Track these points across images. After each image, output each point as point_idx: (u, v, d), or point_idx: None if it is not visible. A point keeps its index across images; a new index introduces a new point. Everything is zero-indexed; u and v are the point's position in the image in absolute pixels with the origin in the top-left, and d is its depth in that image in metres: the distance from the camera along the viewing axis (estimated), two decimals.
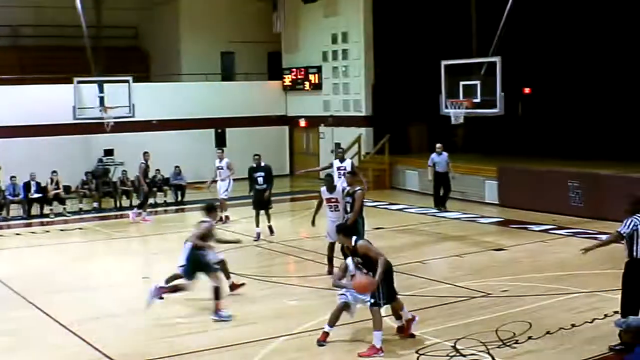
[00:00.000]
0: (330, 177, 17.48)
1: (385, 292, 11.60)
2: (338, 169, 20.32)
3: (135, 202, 26.68)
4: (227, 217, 24.01)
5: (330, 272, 15.99)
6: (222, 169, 24.22)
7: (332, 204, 16.60)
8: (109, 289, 16.33)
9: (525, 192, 25.03)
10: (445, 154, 24.98)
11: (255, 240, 20.65)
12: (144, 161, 25.15)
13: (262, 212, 21.26)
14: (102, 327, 13.24)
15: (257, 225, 21.15)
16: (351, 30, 33.65)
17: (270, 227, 21.34)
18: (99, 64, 30.27)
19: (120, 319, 13.74)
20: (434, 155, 25.09)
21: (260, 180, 21.31)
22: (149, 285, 13.97)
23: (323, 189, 16.78)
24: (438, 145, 25.07)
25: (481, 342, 11.62)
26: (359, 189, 16.28)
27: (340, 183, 19.71)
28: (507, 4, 23.61)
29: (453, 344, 11.60)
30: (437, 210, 25.05)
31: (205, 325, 13.18)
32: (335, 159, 21.07)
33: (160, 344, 12.18)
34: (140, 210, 25.19)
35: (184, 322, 13.36)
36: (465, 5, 27.76)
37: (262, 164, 21.55)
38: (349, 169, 20.14)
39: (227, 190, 24.10)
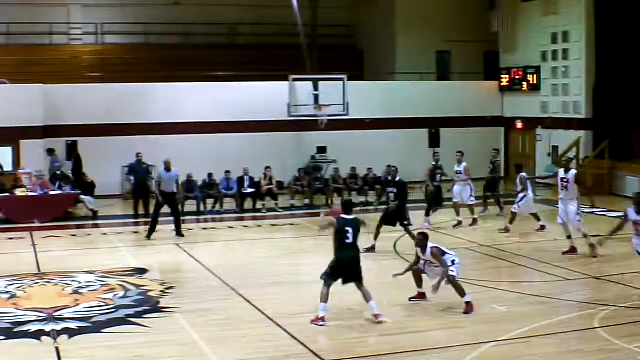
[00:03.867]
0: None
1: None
2: (562, 180, 18.94)
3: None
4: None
5: None
6: (460, 173, 23.46)
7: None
8: (317, 286, 16.28)
9: None
10: None
11: (367, 251, 18.23)
12: (434, 162, 24.43)
13: (386, 227, 19.61)
14: (309, 323, 13.19)
15: (376, 238, 19.46)
16: (572, 29, 32.47)
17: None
18: (314, 62, 30.59)
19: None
20: None
21: (391, 196, 19.64)
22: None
23: (630, 210, 14.65)
24: None
25: None
26: None
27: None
28: None
29: None
30: None
31: (414, 326, 13.04)
32: (560, 167, 19.51)
33: (366, 343, 12.16)
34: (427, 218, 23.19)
35: (390, 322, 13.18)
36: None
37: (397, 179, 19.70)
38: (572, 180, 18.88)
39: (471, 195, 23.37)
